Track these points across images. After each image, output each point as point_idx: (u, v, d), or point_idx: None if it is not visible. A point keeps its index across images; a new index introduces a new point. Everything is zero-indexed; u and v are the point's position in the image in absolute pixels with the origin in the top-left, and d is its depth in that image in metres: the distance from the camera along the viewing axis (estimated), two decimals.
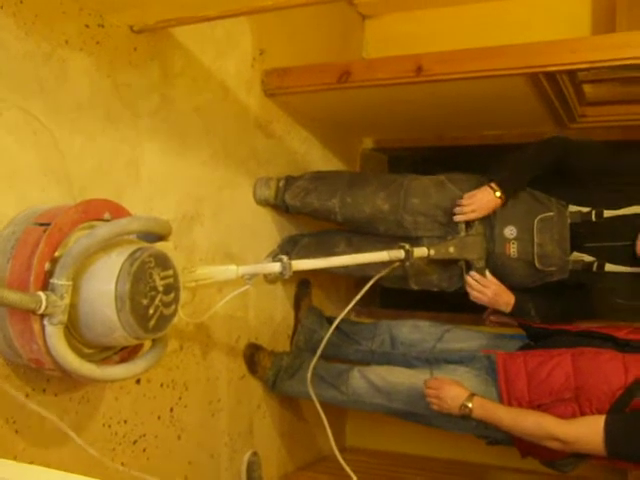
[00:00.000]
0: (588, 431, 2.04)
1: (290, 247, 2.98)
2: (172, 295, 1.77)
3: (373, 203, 2.66)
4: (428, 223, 2.57)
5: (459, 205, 2.46)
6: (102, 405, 2.08)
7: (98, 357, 1.79)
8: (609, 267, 2.33)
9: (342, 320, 2.72)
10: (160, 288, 1.73)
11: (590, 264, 2.36)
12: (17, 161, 1.80)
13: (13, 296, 1.51)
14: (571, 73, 2.82)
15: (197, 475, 2.49)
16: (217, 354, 2.63)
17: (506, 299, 2.43)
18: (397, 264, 2.36)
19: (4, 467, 1.07)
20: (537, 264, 2.40)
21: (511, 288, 2.46)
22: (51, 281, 1.58)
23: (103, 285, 1.64)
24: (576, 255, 2.38)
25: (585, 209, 2.36)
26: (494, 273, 2.45)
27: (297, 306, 3.17)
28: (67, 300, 1.58)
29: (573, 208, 2.38)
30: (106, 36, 2.07)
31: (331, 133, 3.39)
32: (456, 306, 3.08)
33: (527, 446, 2.26)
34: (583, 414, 2.10)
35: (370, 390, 2.57)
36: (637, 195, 2.31)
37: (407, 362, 2.68)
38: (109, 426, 2.11)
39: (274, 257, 2.91)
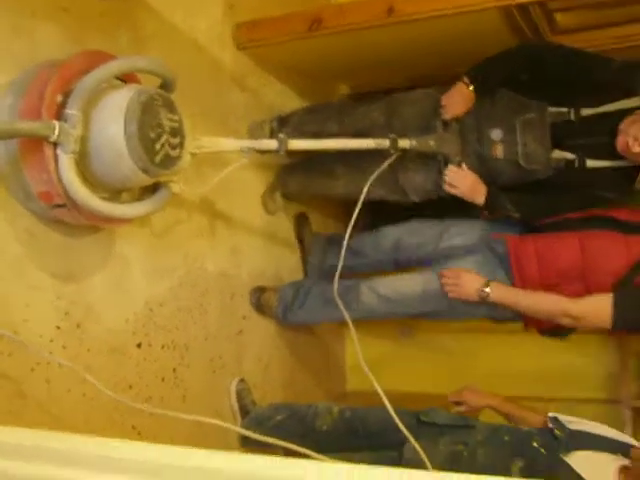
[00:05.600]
0: (598, 306, 2.23)
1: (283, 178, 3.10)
2: (177, 139, 1.87)
3: (369, 117, 2.76)
4: (416, 130, 2.61)
5: (442, 106, 2.55)
6: (106, 372, 2.11)
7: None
8: (590, 163, 2.43)
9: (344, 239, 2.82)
10: (167, 128, 1.82)
11: (572, 161, 2.45)
12: None
13: (26, 125, 1.61)
14: (542, 4, 2.81)
15: (204, 432, 2.53)
16: (213, 312, 2.65)
17: (481, 189, 2.52)
18: (389, 161, 2.49)
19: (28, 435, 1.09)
20: (522, 163, 2.50)
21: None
22: (64, 111, 1.66)
23: (113, 114, 1.74)
24: (558, 153, 2.47)
25: (564, 109, 2.44)
26: (484, 176, 2.53)
27: (301, 241, 3.28)
28: (79, 131, 1.66)
29: (553, 109, 2.47)
30: (72, 3, 2.04)
31: (306, 83, 3.37)
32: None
33: (531, 318, 2.49)
34: (589, 293, 2.28)
35: (381, 302, 2.66)
36: (605, 94, 2.41)
37: (413, 263, 2.81)
38: (115, 392, 2.13)
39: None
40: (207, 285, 2.63)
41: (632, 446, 2.02)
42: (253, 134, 2.93)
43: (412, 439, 1.67)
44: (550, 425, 2.13)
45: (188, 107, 2.50)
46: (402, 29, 2.70)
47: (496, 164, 2.56)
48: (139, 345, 2.25)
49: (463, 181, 2.52)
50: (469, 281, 2.43)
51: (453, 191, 2.54)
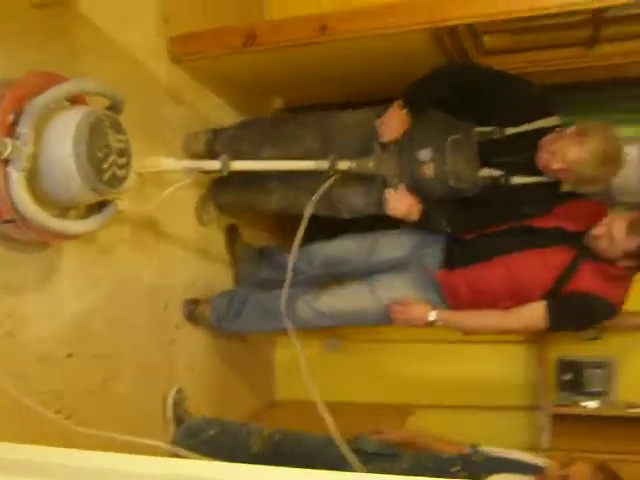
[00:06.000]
0: (533, 315, 2.46)
1: (217, 191, 3.13)
2: (124, 159, 1.94)
3: (302, 142, 2.80)
4: (355, 154, 2.67)
5: (378, 129, 2.63)
6: (37, 382, 2.11)
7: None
8: (516, 180, 2.55)
9: (276, 253, 3.03)
10: (114, 148, 1.89)
11: (498, 178, 2.56)
12: None
13: None
14: (469, 26, 2.93)
15: (134, 442, 2.54)
16: (146, 323, 2.67)
17: (416, 210, 2.63)
18: (328, 183, 2.55)
19: None
20: (451, 182, 2.60)
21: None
22: (17, 129, 1.71)
23: (63, 134, 1.79)
24: (485, 171, 2.58)
25: (489, 128, 2.55)
26: (415, 193, 2.63)
27: (232, 253, 3.30)
28: (30, 148, 1.72)
29: (479, 128, 2.58)
30: (6, 15, 2.03)
31: (242, 96, 3.41)
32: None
33: None
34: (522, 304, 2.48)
35: (317, 317, 2.76)
36: (526, 113, 2.53)
37: (348, 276, 2.89)
38: (43, 402, 2.12)
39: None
40: (140, 295, 2.64)
41: (544, 467, 2.17)
42: (188, 145, 2.97)
43: (352, 457, 1.73)
44: (468, 452, 2.29)
45: (123, 120, 2.54)
46: (335, 47, 2.76)
47: (427, 183, 2.64)
48: (70, 355, 2.25)
49: (400, 204, 2.62)
50: (416, 311, 2.57)
51: (390, 213, 2.64)
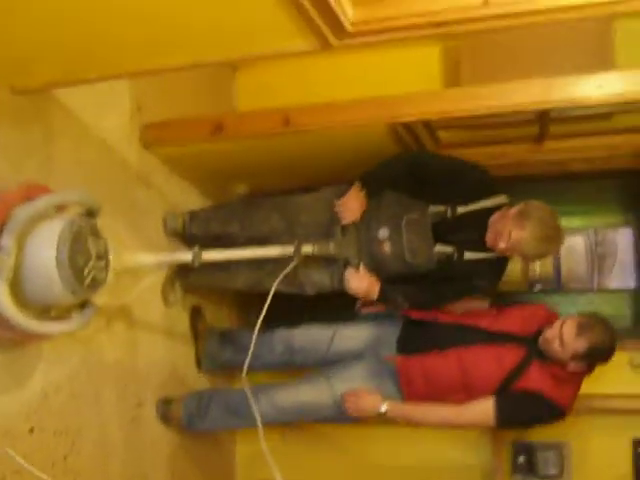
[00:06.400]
0: (482, 411, 2.57)
1: (184, 272, 3.18)
2: (103, 262, 2.04)
3: (269, 223, 2.95)
4: (317, 234, 2.82)
5: (338, 212, 2.77)
6: None
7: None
8: (468, 255, 2.70)
9: (240, 334, 3.09)
10: (93, 254, 1.98)
11: (452, 254, 2.71)
12: None
13: None
14: (425, 123, 3.11)
15: None
16: (108, 401, 2.69)
17: (375, 289, 2.75)
18: (292, 265, 2.63)
19: None
20: (407, 258, 2.74)
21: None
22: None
23: (46, 245, 1.88)
24: (439, 248, 2.73)
25: (442, 208, 2.71)
26: (374, 269, 2.77)
27: (195, 334, 3.35)
28: (13, 259, 1.80)
29: (433, 208, 2.73)
30: None
31: (209, 181, 3.53)
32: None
33: None
34: (472, 399, 2.58)
35: (279, 414, 2.83)
36: (475, 194, 2.71)
37: (310, 365, 2.98)
38: (3, 478, 2.13)
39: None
40: (103, 374, 2.66)
41: None
42: (168, 223, 3.12)
43: None
44: None
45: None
46: (297, 138, 2.93)
47: (385, 260, 2.79)
48: (31, 430, 2.26)
49: (360, 284, 2.74)
50: (368, 402, 2.66)
51: (351, 292, 2.77)
